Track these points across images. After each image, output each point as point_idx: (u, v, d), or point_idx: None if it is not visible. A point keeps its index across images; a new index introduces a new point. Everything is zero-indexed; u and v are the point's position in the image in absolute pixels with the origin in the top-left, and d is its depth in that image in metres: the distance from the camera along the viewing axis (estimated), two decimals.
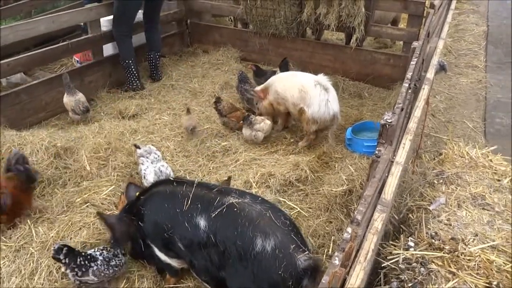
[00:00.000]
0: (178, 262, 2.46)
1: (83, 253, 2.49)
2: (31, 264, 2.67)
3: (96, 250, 2.58)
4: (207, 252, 2.16)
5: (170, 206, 2.30)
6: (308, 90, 3.89)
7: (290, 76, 4.23)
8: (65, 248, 2.41)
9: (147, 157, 3.39)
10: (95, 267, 2.45)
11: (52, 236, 2.84)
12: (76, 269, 2.41)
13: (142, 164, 3.36)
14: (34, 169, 3.29)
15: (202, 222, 2.16)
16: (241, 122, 4.11)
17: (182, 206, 2.24)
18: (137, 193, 2.53)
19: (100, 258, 2.51)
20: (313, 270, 1.93)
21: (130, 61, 5.04)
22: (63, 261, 2.39)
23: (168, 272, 2.62)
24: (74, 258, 2.41)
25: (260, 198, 2.26)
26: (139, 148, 3.45)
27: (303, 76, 4.10)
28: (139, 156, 3.42)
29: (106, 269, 2.49)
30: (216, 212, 2.13)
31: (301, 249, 1.98)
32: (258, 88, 4.42)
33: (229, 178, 2.98)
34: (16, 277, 2.59)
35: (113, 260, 2.55)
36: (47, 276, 2.58)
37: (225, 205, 2.14)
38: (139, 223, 2.41)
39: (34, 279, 2.57)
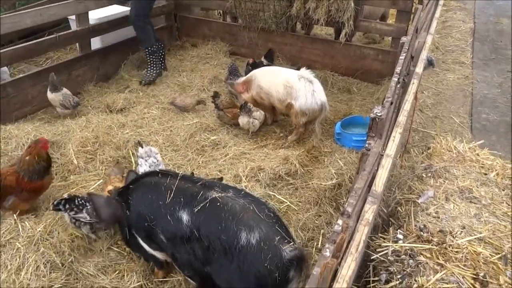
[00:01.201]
0: (161, 255, 2.45)
1: (80, 196, 2.79)
2: (18, 259, 2.62)
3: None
4: (190, 247, 2.15)
5: (154, 197, 2.29)
6: (293, 85, 3.91)
7: (274, 71, 4.23)
8: (62, 201, 2.71)
9: (146, 160, 3.26)
10: (89, 207, 2.70)
11: (39, 231, 2.79)
12: (74, 209, 2.70)
13: (140, 165, 3.26)
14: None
15: (185, 217, 2.15)
16: (238, 112, 4.11)
17: (165, 198, 2.23)
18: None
19: None
20: (299, 261, 1.94)
21: (155, 46, 5.10)
22: (62, 209, 2.71)
23: (154, 264, 2.61)
24: (72, 201, 2.72)
25: (243, 192, 2.26)
26: (142, 146, 3.34)
27: (287, 72, 4.12)
28: (139, 156, 3.32)
29: None
30: (199, 207, 2.12)
31: (286, 241, 1.98)
32: (239, 80, 4.41)
33: (221, 179, 2.98)
34: (2, 272, 2.54)
35: None
36: (34, 271, 2.54)
37: (208, 200, 2.13)
38: (126, 211, 2.40)
39: (21, 274, 2.52)
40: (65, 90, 4.28)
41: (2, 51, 4.22)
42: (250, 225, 2.00)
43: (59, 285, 2.53)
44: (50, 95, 4.25)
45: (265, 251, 1.93)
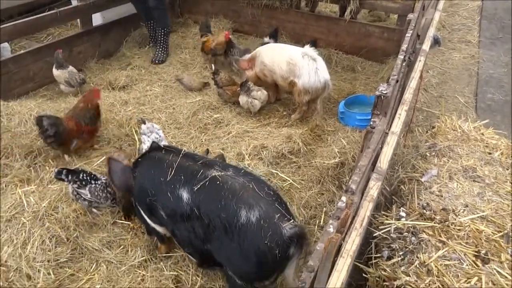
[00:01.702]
0: (162, 229, 2.48)
1: (88, 171, 2.86)
2: (23, 233, 2.65)
3: (102, 176, 2.90)
4: (190, 225, 2.17)
5: (156, 173, 2.30)
6: (296, 62, 3.86)
7: (278, 48, 4.19)
8: (64, 170, 2.76)
9: (148, 136, 3.25)
10: (93, 185, 2.77)
11: (44, 206, 2.81)
12: (78, 182, 2.75)
13: (144, 143, 3.24)
14: None
15: (185, 195, 2.16)
16: (238, 90, 4.09)
17: (166, 175, 2.23)
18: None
19: (102, 181, 2.84)
20: (299, 238, 1.95)
21: (169, 28, 5.27)
22: (65, 180, 2.76)
23: (156, 237, 2.65)
24: (76, 174, 2.78)
25: (243, 171, 2.25)
26: (144, 123, 3.33)
27: (291, 48, 4.07)
28: (141, 133, 3.32)
29: (100, 191, 2.78)
30: (199, 186, 2.12)
31: (286, 218, 1.99)
32: (245, 57, 4.37)
33: (222, 155, 2.99)
34: (8, 246, 2.58)
35: (110, 187, 2.80)
36: (40, 245, 2.57)
37: (207, 178, 2.12)
38: (133, 182, 2.43)
39: (26, 248, 2.56)
40: (71, 67, 4.25)
41: (2, 26, 4.17)
42: (250, 203, 2.00)
43: (65, 259, 2.57)
44: (55, 72, 4.22)
45: (265, 228, 1.94)
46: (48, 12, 4.58)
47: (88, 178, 2.79)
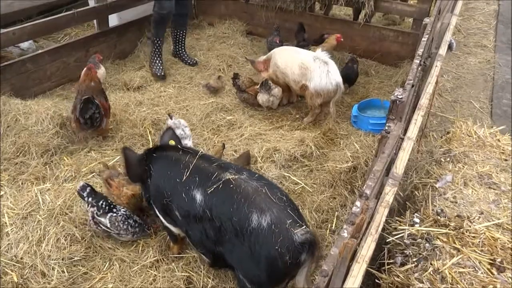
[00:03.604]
0: (176, 229, 2.49)
1: (109, 201, 2.74)
2: (39, 231, 2.69)
3: (121, 207, 2.78)
4: (203, 226, 2.18)
5: (172, 174, 2.30)
6: (308, 66, 3.88)
7: (291, 51, 4.19)
8: (88, 188, 2.69)
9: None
10: (113, 215, 2.66)
11: (59, 205, 2.86)
12: (96, 208, 2.65)
13: None
14: None
15: (198, 196, 2.16)
16: (257, 88, 4.12)
17: (182, 176, 2.24)
18: (170, 142, 2.59)
19: (122, 211, 2.71)
20: (311, 244, 1.92)
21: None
22: (85, 198, 2.67)
23: (169, 237, 2.67)
24: (97, 198, 2.68)
25: (257, 175, 2.24)
26: (171, 118, 3.36)
27: (303, 52, 4.09)
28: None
29: (121, 222, 2.66)
30: (212, 188, 2.12)
31: (297, 224, 1.97)
32: (261, 59, 4.38)
33: (223, 145, 3.11)
34: (24, 243, 2.62)
35: (131, 219, 2.71)
36: (55, 243, 2.61)
37: (221, 181, 2.12)
38: (148, 180, 2.44)
39: (41, 246, 2.60)
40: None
41: (21, 26, 4.25)
42: (262, 208, 1.99)
43: (78, 258, 2.60)
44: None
45: (276, 234, 1.93)
46: (66, 13, 4.65)
47: (108, 207, 2.68)
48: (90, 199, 2.67)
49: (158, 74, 4.74)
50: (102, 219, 2.65)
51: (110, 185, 2.87)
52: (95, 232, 2.76)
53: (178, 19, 4.92)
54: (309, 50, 4.54)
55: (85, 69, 3.58)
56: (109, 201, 2.73)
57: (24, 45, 4.72)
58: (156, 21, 4.62)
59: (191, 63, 5.13)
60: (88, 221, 2.71)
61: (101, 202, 2.67)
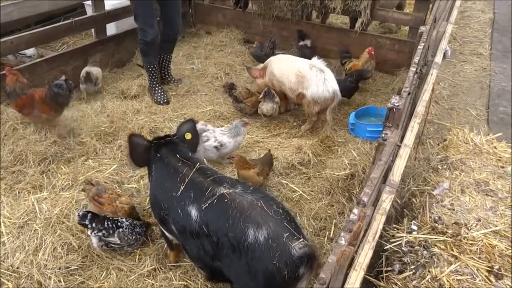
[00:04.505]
0: (171, 236, 2.48)
1: (110, 218, 2.67)
2: (35, 240, 2.68)
3: (122, 218, 2.72)
4: (200, 242, 2.15)
5: (169, 187, 2.28)
6: (304, 74, 3.90)
7: (288, 60, 4.21)
8: (89, 215, 2.60)
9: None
10: (120, 230, 2.63)
11: (56, 213, 2.85)
12: (103, 231, 2.59)
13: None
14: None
15: (193, 212, 2.14)
16: (259, 98, 4.15)
17: (178, 190, 2.22)
18: (186, 134, 2.55)
19: (126, 223, 2.67)
20: (309, 258, 1.89)
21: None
22: (89, 225, 2.58)
23: (165, 242, 2.66)
24: (101, 220, 2.61)
25: (251, 188, 2.22)
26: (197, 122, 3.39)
27: (299, 61, 4.11)
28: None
29: (130, 234, 2.65)
30: (207, 204, 2.10)
31: (295, 237, 1.93)
32: (258, 66, 4.41)
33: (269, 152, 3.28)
34: (20, 253, 2.61)
35: (136, 227, 2.70)
36: (52, 252, 2.60)
37: (215, 196, 2.10)
38: (150, 176, 2.47)
39: (38, 255, 2.59)
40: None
41: (19, 35, 4.26)
42: (258, 222, 1.96)
43: (75, 267, 2.58)
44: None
45: (273, 248, 1.89)
46: (64, 22, 4.67)
47: (112, 225, 2.62)
48: (94, 224, 2.58)
49: (162, 102, 4.46)
50: (111, 239, 2.61)
51: (100, 202, 2.80)
52: (104, 252, 2.71)
53: (165, 44, 4.62)
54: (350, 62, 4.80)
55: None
56: (111, 219, 2.67)
57: (30, 51, 4.79)
58: (143, 50, 4.41)
59: (175, 83, 4.87)
60: (94, 245, 2.65)
61: (106, 223, 2.61)
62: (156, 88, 4.53)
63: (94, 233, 2.58)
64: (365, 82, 4.97)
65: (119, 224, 2.65)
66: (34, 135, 3.46)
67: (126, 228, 2.64)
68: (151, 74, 4.51)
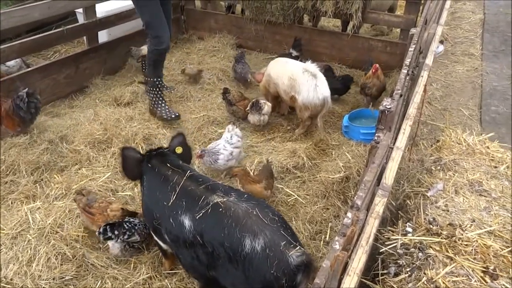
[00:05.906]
0: (165, 245, 2.46)
1: (123, 220, 2.72)
2: (29, 251, 2.66)
3: (129, 218, 2.77)
4: (194, 251, 2.13)
5: (160, 196, 2.26)
6: (296, 78, 3.90)
7: (283, 62, 4.23)
8: (107, 227, 2.63)
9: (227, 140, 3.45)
10: (137, 227, 2.69)
11: (50, 223, 2.83)
12: (127, 232, 2.64)
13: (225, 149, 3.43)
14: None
15: (187, 222, 2.11)
16: (247, 109, 4.10)
17: (169, 200, 2.20)
18: (177, 148, 2.56)
19: (136, 221, 2.74)
20: (306, 266, 1.89)
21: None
22: (112, 236, 2.62)
23: (159, 249, 2.64)
24: (121, 225, 2.65)
25: (246, 195, 2.20)
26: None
27: (294, 64, 4.11)
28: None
29: (144, 228, 2.72)
30: (201, 213, 2.08)
31: (292, 245, 1.92)
32: (262, 70, 4.43)
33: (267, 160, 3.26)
34: (14, 264, 2.58)
35: (141, 223, 2.75)
36: (46, 262, 2.57)
37: (209, 205, 2.07)
38: (142, 187, 2.46)
39: (32, 266, 2.56)
40: None
41: (10, 44, 4.24)
42: (254, 231, 1.94)
43: (70, 277, 2.56)
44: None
45: (270, 257, 1.88)
46: (55, 30, 4.65)
47: (130, 225, 2.67)
48: (116, 232, 2.62)
49: (173, 115, 4.11)
50: (133, 238, 2.67)
51: (90, 213, 2.77)
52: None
53: None
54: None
55: None
56: (124, 220, 2.71)
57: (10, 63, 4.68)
58: (155, 61, 4.10)
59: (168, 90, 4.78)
60: (115, 252, 2.67)
61: (124, 225, 2.66)
62: (162, 105, 4.20)
63: (121, 239, 2.62)
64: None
65: (132, 223, 2.70)
66: (25, 143, 3.43)
67: (139, 224, 2.71)
68: (158, 89, 4.20)
